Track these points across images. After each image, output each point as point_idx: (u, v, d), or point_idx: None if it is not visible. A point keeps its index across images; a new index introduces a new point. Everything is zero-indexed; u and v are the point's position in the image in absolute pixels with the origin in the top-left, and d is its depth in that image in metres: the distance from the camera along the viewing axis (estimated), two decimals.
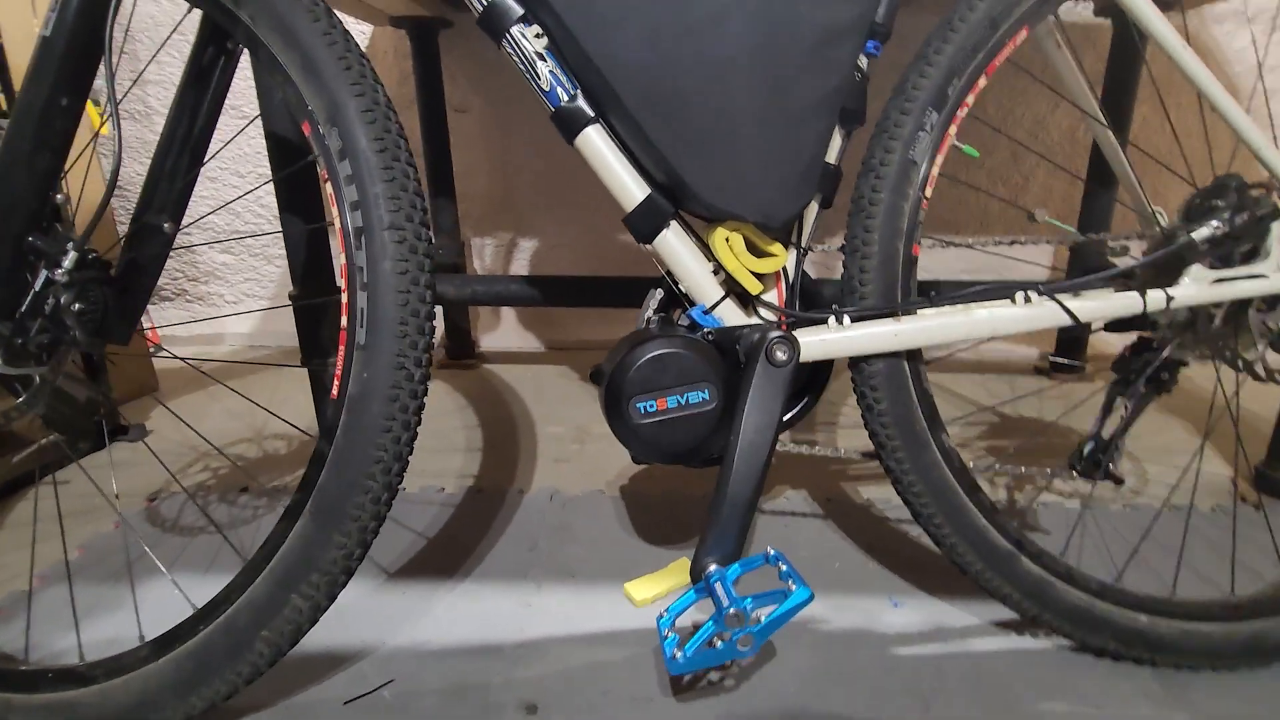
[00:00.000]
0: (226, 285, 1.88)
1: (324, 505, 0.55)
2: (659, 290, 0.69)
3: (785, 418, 0.72)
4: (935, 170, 0.65)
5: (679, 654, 0.47)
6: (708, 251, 0.64)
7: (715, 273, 0.64)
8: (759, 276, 0.63)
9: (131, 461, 1.18)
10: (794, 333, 0.62)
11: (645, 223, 0.62)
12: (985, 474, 1.07)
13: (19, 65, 1.13)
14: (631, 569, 0.85)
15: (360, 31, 1.65)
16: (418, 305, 0.55)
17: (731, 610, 0.47)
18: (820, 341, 0.63)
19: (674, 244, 0.63)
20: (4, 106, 1.10)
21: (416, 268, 0.55)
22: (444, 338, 1.70)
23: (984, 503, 0.67)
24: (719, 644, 0.48)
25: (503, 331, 1.82)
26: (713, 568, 0.53)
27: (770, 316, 0.65)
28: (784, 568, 0.51)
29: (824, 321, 0.64)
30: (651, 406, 0.57)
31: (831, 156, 0.65)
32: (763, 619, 0.48)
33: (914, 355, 0.66)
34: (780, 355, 0.57)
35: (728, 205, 0.59)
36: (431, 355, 0.58)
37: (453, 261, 1.59)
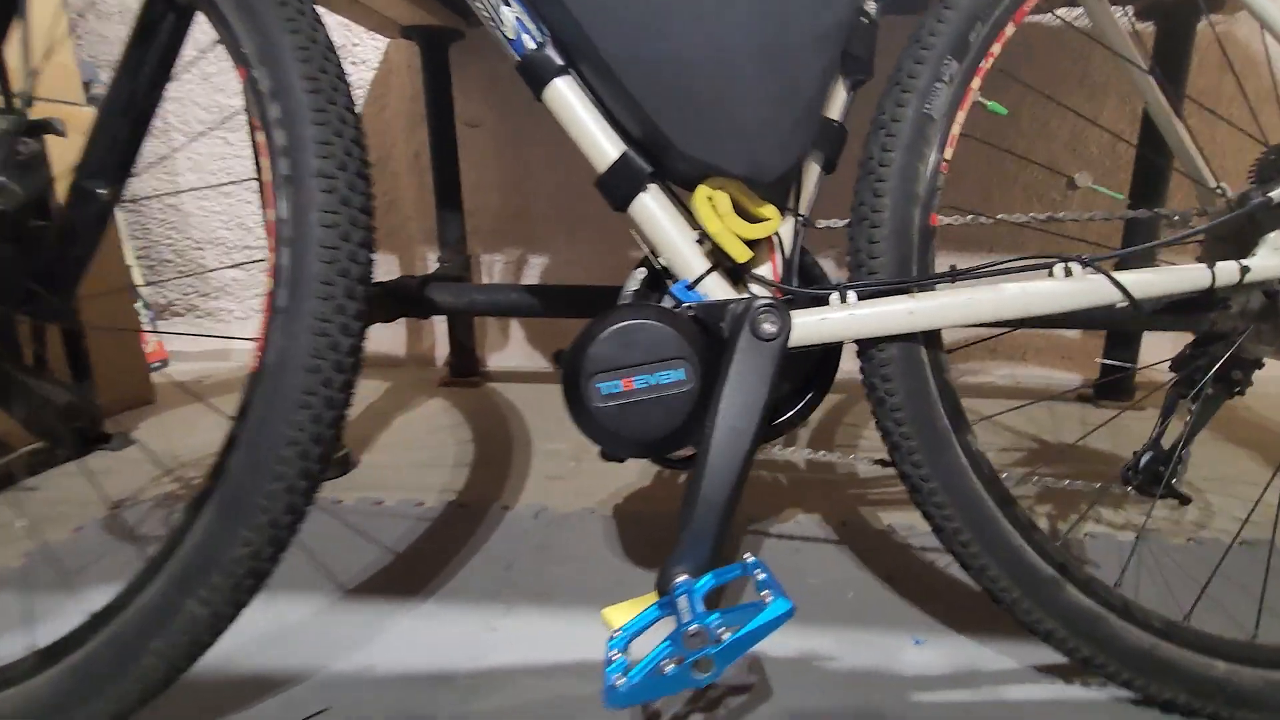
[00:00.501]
0: (236, 300, 1.86)
1: (230, 494, 0.47)
2: (641, 269, 0.61)
3: (784, 417, 0.63)
4: (956, 129, 0.56)
5: (621, 681, 0.38)
6: (693, 220, 0.56)
7: (700, 242, 0.56)
8: (750, 245, 0.55)
9: (110, 470, 1.12)
10: (791, 311, 0.54)
11: (619, 185, 0.55)
12: (1020, 491, 0.95)
13: None
14: (615, 593, 0.75)
15: (375, 46, 1.65)
16: (348, 264, 0.48)
17: (693, 627, 0.38)
18: (820, 322, 0.54)
19: (652, 209, 0.55)
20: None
21: (348, 222, 0.48)
22: (448, 355, 1.64)
23: (1020, 518, 0.57)
24: (671, 669, 0.39)
25: (511, 350, 1.76)
26: (681, 578, 0.43)
27: (763, 292, 0.57)
28: (761, 576, 0.41)
29: (825, 300, 0.55)
30: (615, 387, 0.48)
31: (834, 112, 0.57)
32: (727, 639, 0.38)
33: (933, 340, 0.56)
34: (768, 327, 0.48)
35: (709, 156, 0.51)
36: (365, 324, 0.50)
37: (457, 275, 1.54)
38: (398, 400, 1.47)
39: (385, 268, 1.73)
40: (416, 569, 0.81)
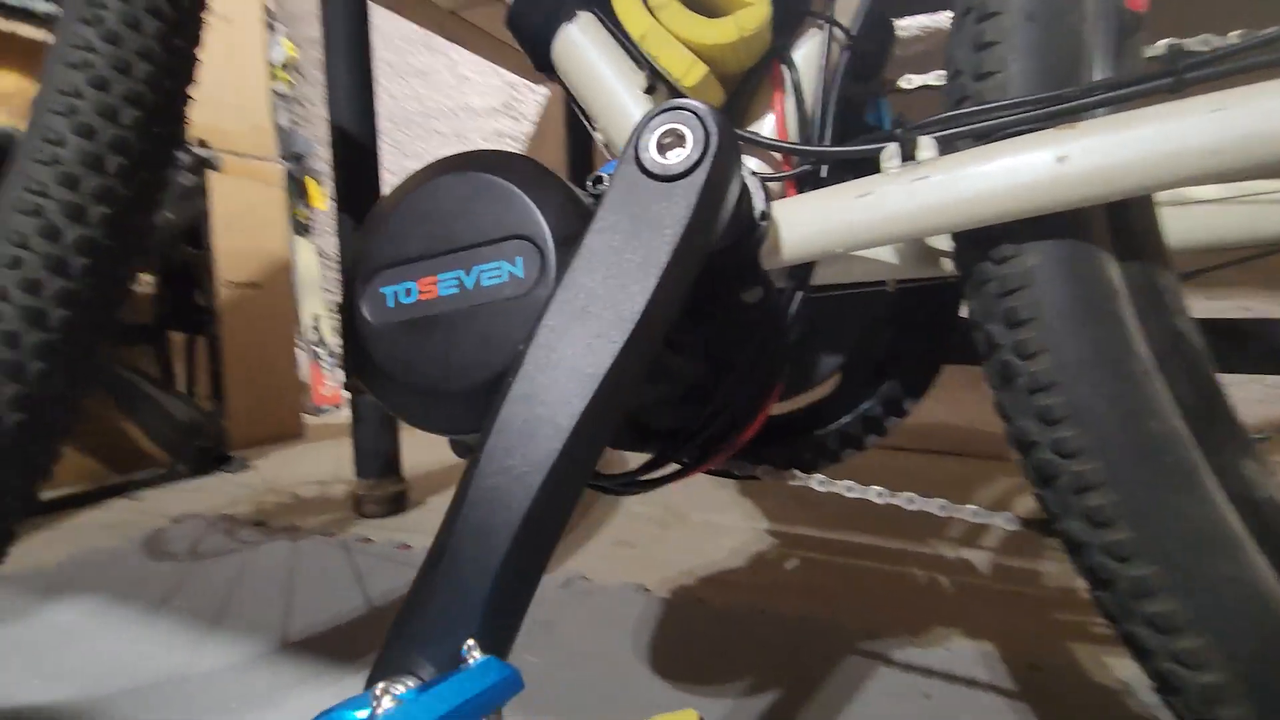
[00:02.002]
0: None
1: None
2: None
3: (832, 426, 0.34)
4: None
5: None
6: (645, 62, 0.33)
7: (650, 92, 0.33)
8: (733, 84, 0.30)
9: (215, 489, 1.12)
10: (809, 195, 0.28)
11: (532, 12, 0.34)
12: None
13: None
14: (598, 711, 0.49)
15: (535, 101, 1.66)
16: (93, 121, 0.33)
17: None
18: (858, 204, 0.27)
19: (582, 47, 0.34)
20: None
21: (111, 63, 0.33)
22: None
23: None
24: None
25: None
26: (399, 690, 0.18)
27: (761, 166, 0.31)
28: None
29: (873, 165, 0.28)
30: (408, 292, 0.26)
31: None
32: None
33: (1136, 234, 0.25)
34: (675, 155, 0.22)
35: None
36: (137, 230, 0.35)
37: None
38: None
39: None
40: (379, 630, 0.61)
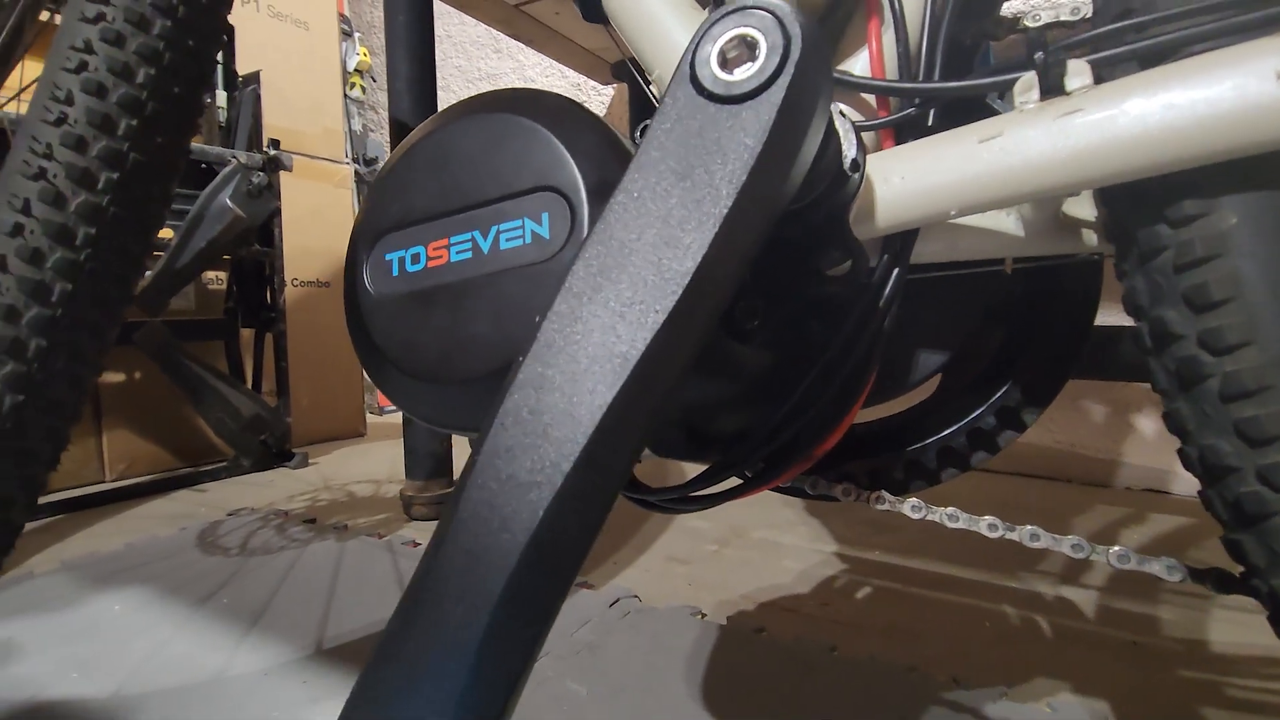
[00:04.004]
0: None
1: None
2: None
3: (932, 436, 0.28)
4: None
5: None
6: None
7: None
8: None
9: (274, 484, 1.13)
10: (909, 144, 0.22)
11: None
12: None
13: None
14: None
15: (600, 103, 1.64)
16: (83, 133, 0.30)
17: None
18: (989, 153, 0.21)
19: None
20: None
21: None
22: None
23: None
24: None
25: None
26: None
27: (853, 114, 0.25)
28: None
29: (984, 103, 0.22)
30: (415, 259, 0.21)
31: None
32: None
33: None
34: (738, 71, 0.17)
35: None
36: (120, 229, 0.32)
37: None
38: None
39: None
40: None
